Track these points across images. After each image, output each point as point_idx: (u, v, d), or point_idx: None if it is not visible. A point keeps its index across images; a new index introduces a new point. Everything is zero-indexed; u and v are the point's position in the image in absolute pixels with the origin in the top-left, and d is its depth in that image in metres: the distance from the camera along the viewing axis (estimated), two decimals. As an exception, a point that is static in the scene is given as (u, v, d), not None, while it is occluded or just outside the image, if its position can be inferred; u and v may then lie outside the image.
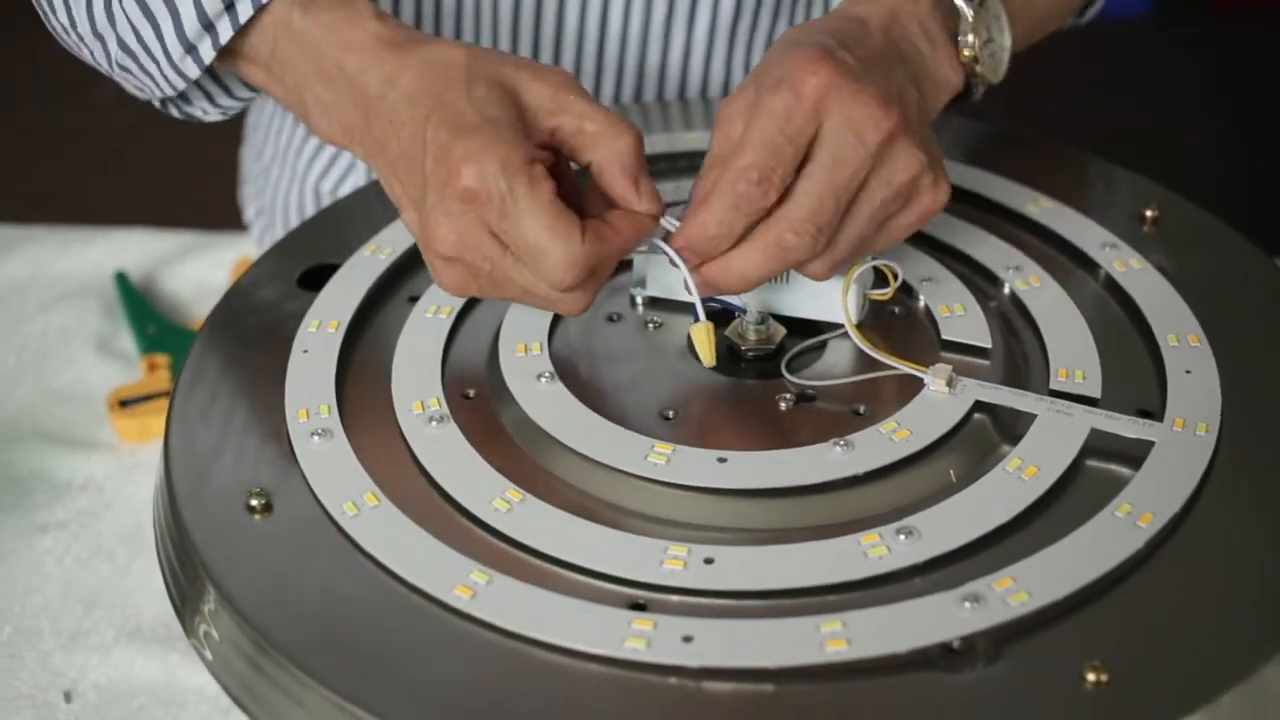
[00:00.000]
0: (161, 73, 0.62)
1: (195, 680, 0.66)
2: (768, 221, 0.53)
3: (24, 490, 0.77)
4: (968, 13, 0.59)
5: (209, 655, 0.50)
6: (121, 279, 0.90)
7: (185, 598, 0.51)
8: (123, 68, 0.64)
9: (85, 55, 0.67)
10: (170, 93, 0.64)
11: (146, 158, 1.78)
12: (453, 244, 0.52)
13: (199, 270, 0.93)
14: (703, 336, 0.55)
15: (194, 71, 0.61)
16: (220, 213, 1.07)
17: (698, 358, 0.56)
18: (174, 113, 0.67)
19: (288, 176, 0.91)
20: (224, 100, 0.66)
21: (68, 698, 0.66)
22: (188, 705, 0.65)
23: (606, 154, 0.53)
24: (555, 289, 0.52)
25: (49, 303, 0.90)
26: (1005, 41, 0.61)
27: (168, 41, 0.61)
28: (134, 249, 0.95)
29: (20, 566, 0.72)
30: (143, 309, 0.88)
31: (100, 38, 0.64)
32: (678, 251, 0.54)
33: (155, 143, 1.75)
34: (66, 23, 0.65)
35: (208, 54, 0.60)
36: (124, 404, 0.81)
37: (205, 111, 0.67)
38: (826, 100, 0.52)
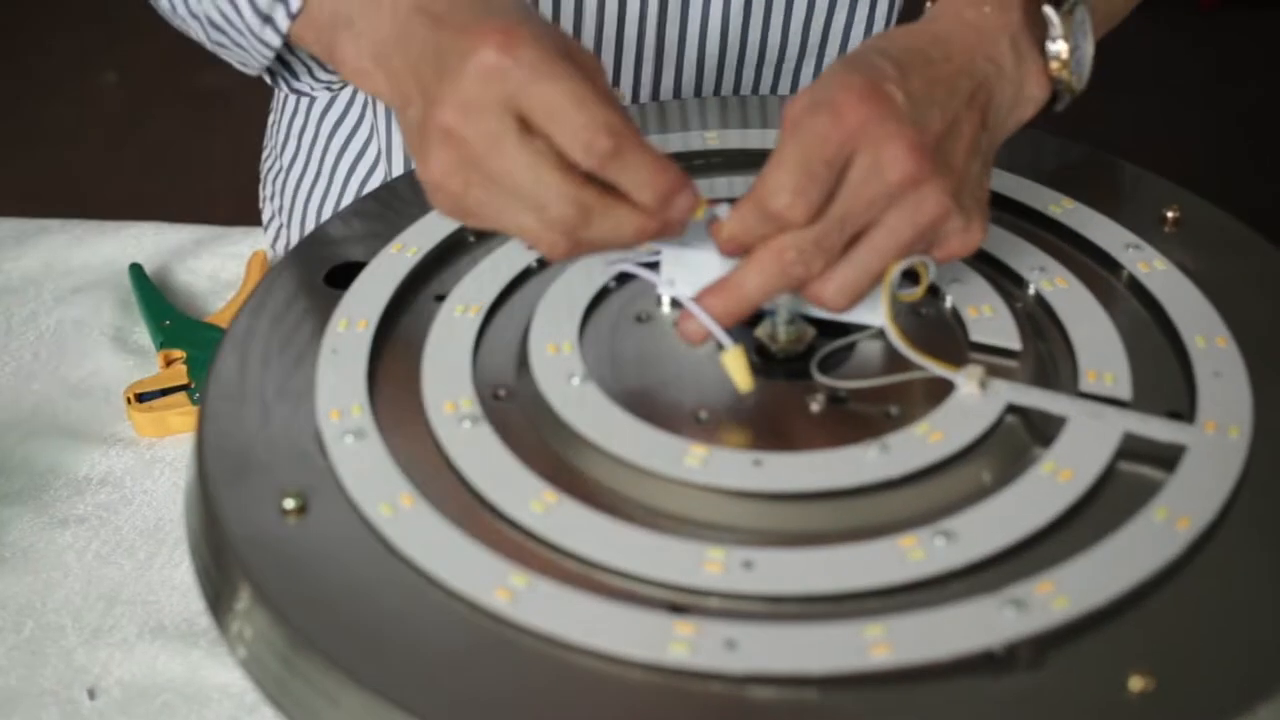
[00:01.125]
0: (250, 44, 0.65)
1: (219, 677, 0.66)
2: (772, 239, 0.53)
3: (43, 485, 0.76)
4: (1056, 21, 0.58)
5: (243, 653, 0.50)
6: (137, 271, 0.89)
7: (219, 596, 0.51)
8: (218, 44, 0.67)
9: (192, 34, 0.70)
10: (264, 62, 0.66)
11: (157, 152, 1.78)
12: (456, 113, 0.50)
13: (213, 263, 0.93)
14: (734, 363, 0.55)
15: (275, 40, 0.63)
16: (232, 207, 1.07)
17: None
18: (284, 88, 0.70)
19: (312, 173, 0.90)
20: (323, 74, 0.68)
21: (92, 694, 0.66)
22: (211, 702, 0.65)
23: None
24: (586, 155, 0.50)
25: (64, 295, 0.90)
26: (1089, 48, 0.60)
27: (245, 14, 0.63)
28: (148, 242, 0.94)
29: (41, 562, 0.72)
30: (158, 302, 0.87)
31: (195, 17, 0.67)
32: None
33: (166, 138, 1.74)
34: (168, 7, 0.69)
35: (283, 22, 0.62)
36: (140, 398, 0.80)
37: (312, 86, 0.69)
38: (863, 131, 0.51)
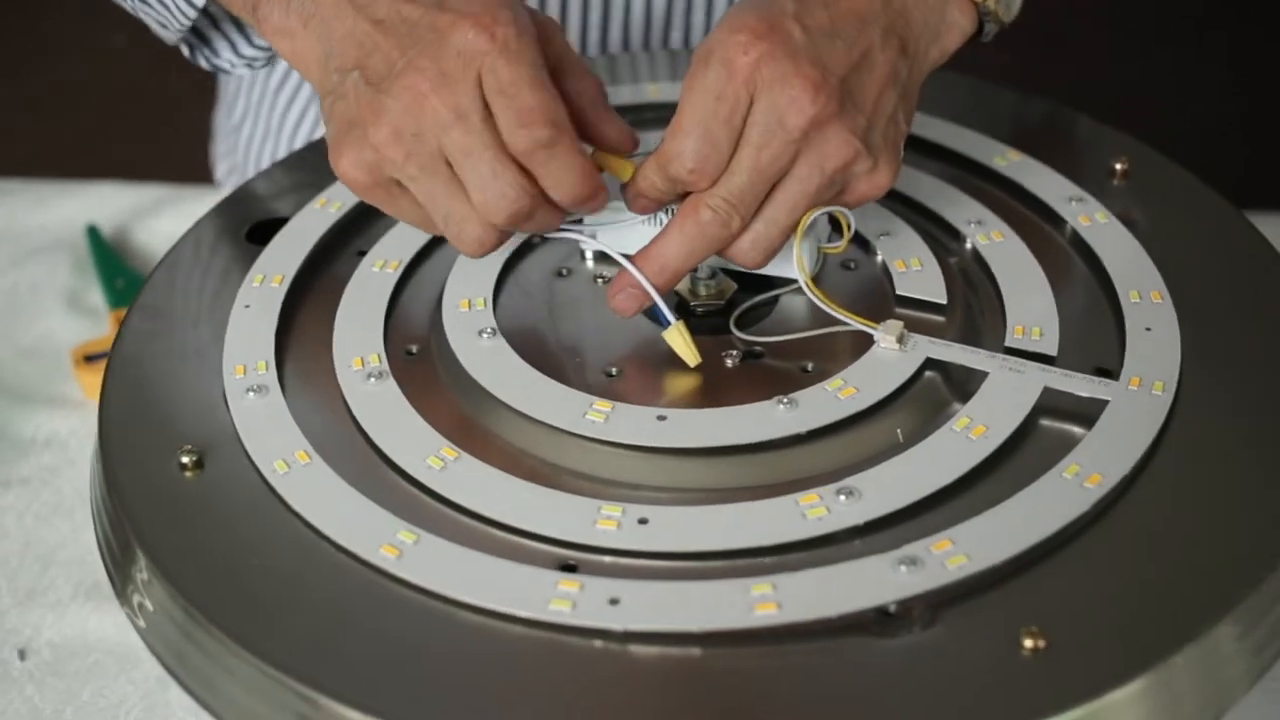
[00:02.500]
0: (174, 2, 0.62)
1: (149, 638, 0.66)
2: (686, 200, 0.52)
3: (-13, 446, 0.76)
4: None
5: (142, 624, 0.49)
6: (93, 232, 0.89)
7: (118, 564, 0.50)
8: (143, 0, 0.64)
9: None
10: (185, 23, 0.63)
11: (118, 115, 1.77)
12: (432, 81, 0.49)
13: (172, 224, 0.92)
14: (678, 338, 0.53)
15: None
16: (192, 167, 1.06)
17: (650, 315, 0.55)
18: (203, 63, 0.67)
19: (260, 132, 0.89)
20: (247, 49, 0.66)
21: (22, 655, 0.65)
22: (141, 663, 0.65)
23: (584, 84, 0.53)
24: (522, 139, 0.49)
25: (20, 257, 0.89)
26: None
27: None
28: (107, 203, 0.93)
29: (-20, 523, 0.72)
30: (112, 263, 0.87)
31: None
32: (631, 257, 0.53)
33: (128, 100, 1.74)
34: None
35: None
36: (89, 359, 0.80)
37: (232, 64, 0.67)
38: (756, 77, 0.50)
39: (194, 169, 1.09)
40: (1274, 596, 0.45)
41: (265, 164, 0.88)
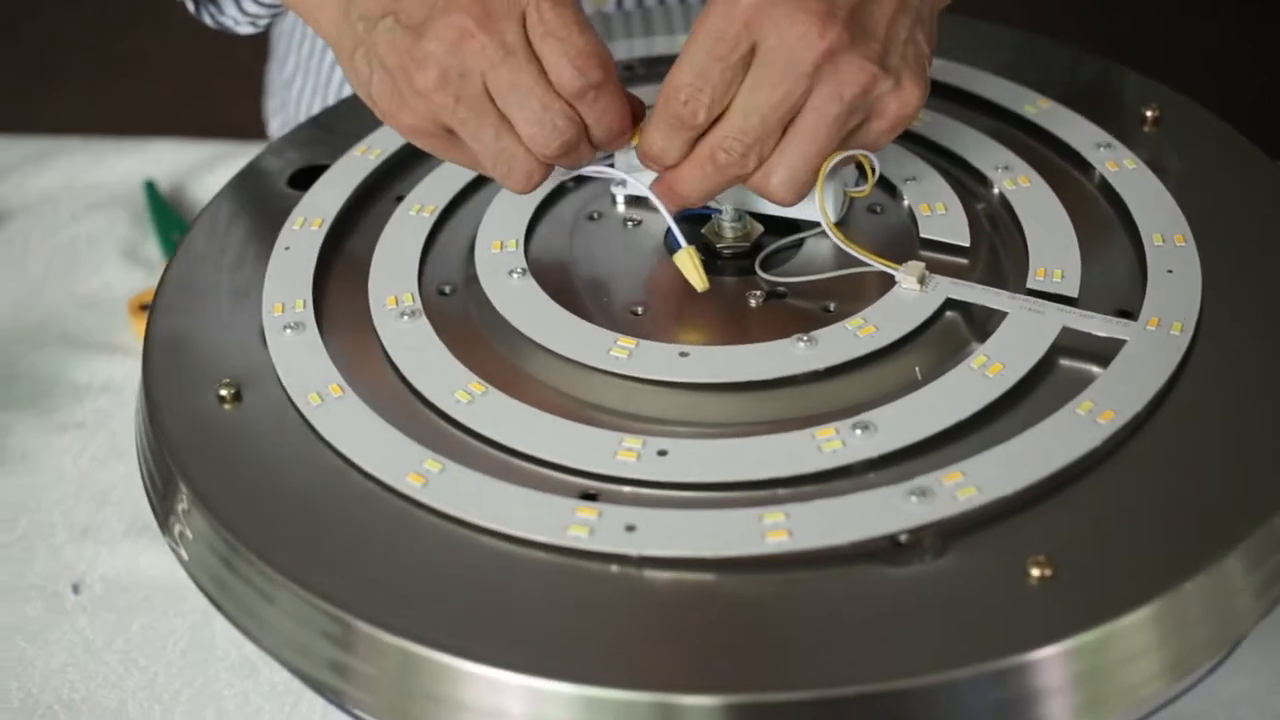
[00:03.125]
0: None
1: (197, 574, 0.68)
2: (702, 139, 0.52)
3: (46, 393, 0.79)
4: None
5: (184, 554, 0.51)
6: (150, 187, 0.91)
7: (160, 496, 0.52)
8: None
9: None
10: None
11: (175, 71, 1.80)
12: (478, 17, 0.50)
13: (226, 179, 0.94)
14: (687, 262, 0.55)
15: None
16: (250, 125, 1.08)
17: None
18: (208, 20, 0.68)
19: (310, 86, 0.91)
20: (251, 7, 0.67)
21: (76, 589, 0.68)
22: (188, 597, 0.67)
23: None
24: (573, 79, 0.50)
25: (80, 212, 0.92)
26: None
27: None
28: (165, 159, 0.96)
29: (40, 465, 0.74)
30: (169, 217, 0.89)
31: None
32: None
33: (185, 56, 1.77)
34: None
35: None
36: (144, 308, 0.82)
37: (236, 21, 0.68)
38: (760, 18, 0.50)
39: (250, 126, 1.12)
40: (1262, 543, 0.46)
41: (317, 107, 0.90)
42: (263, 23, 0.69)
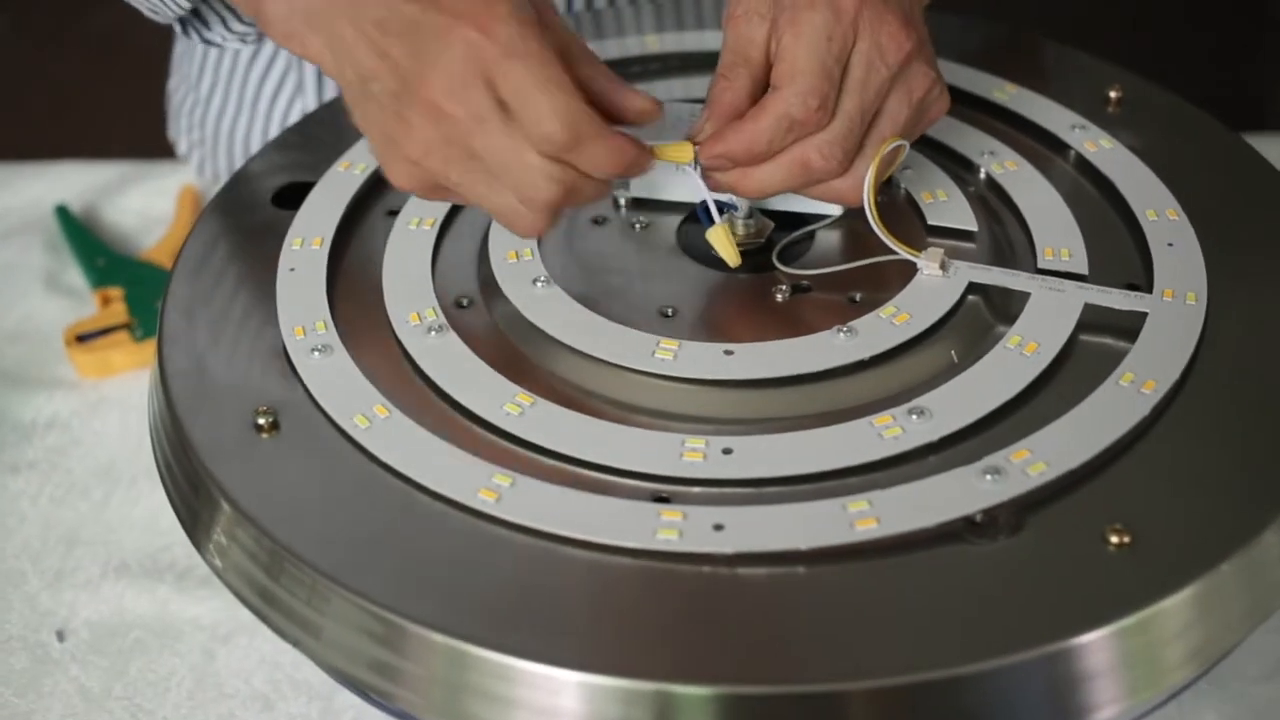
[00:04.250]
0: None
1: (189, 611, 0.66)
2: (794, 145, 0.53)
3: (-12, 432, 0.75)
4: None
5: (229, 575, 0.49)
6: (63, 212, 0.87)
7: (197, 520, 0.50)
8: None
9: None
10: (178, 12, 0.62)
11: (56, 94, 1.73)
12: (443, 91, 0.49)
13: (141, 200, 0.91)
14: (722, 237, 0.55)
15: None
16: (138, 148, 1.03)
17: (694, 257, 0.57)
18: (194, 37, 0.67)
19: (233, 105, 0.89)
20: (239, 26, 0.66)
21: (61, 637, 0.65)
22: (183, 636, 0.65)
23: (593, 67, 0.53)
24: (543, 144, 0.49)
25: (-11, 241, 0.88)
26: None
27: None
28: (73, 181, 0.92)
29: (-6, 509, 0.71)
30: (88, 242, 0.85)
31: None
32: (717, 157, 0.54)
33: (66, 79, 1.70)
34: None
35: None
36: (81, 339, 0.79)
37: (224, 37, 0.66)
38: (860, 20, 0.52)
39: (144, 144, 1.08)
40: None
41: (239, 136, 0.87)
42: (250, 41, 0.67)
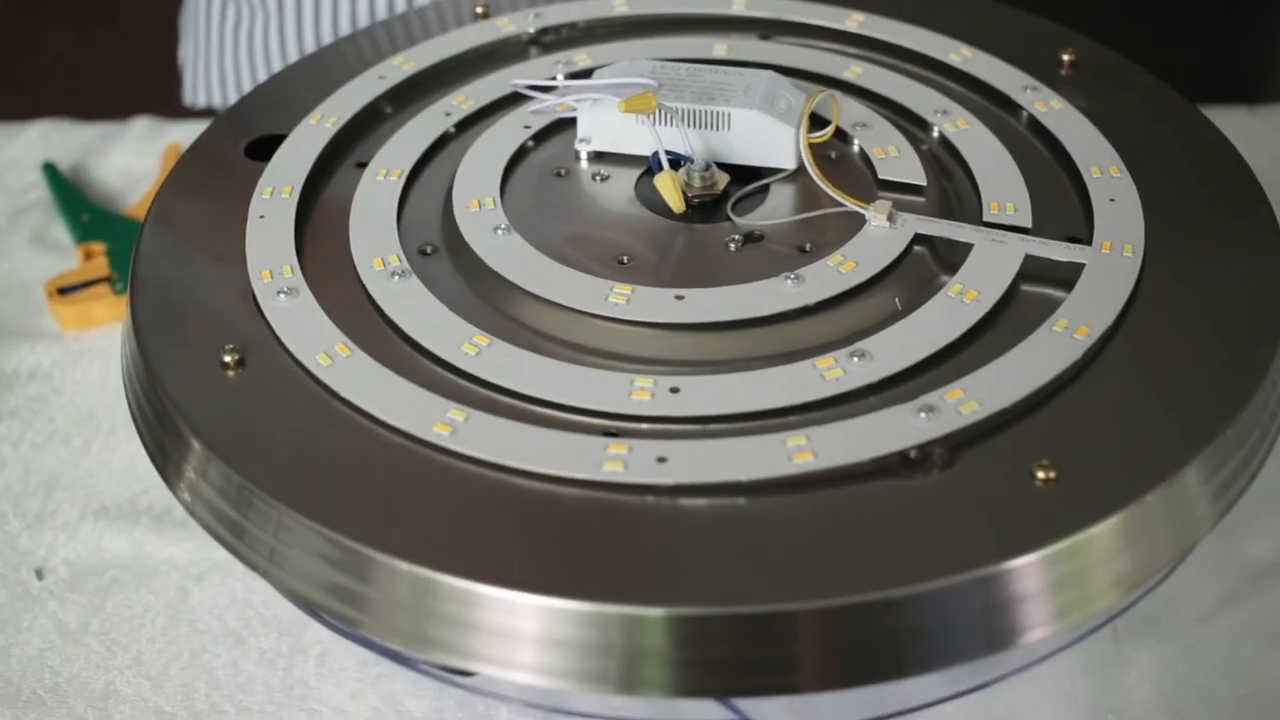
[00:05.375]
0: None
1: (165, 551, 0.68)
2: None
3: (-29, 381, 0.77)
4: None
5: (197, 507, 0.51)
6: (50, 169, 0.89)
7: (167, 455, 0.52)
8: None
9: None
10: None
11: (46, 63, 1.75)
12: None
13: (125, 159, 0.93)
14: (668, 183, 0.58)
15: None
16: (138, 111, 1.05)
17: (651, 209, 0.59)
18: None
19: (245, 55, 0.91)
20: None
21: (39, 575, 0.67)
22: (159, 574, 0.67)
23: None
24: None
25: (-28, 198, 0.90)
26: None
27: None
28: (56, 140, 0.94)
29: (-25, 454, 0.73)
30: (74, 198, 0.87)
31: None
32: None
33: (56, 47, 1.72)
34: None
35: None
36: (62, 291, 0.81)
37: None
38: None
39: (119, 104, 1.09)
40: (1244, 425, 0.50)
41: (201, 63, 0.90)
42: None
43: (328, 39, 0.94)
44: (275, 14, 0.88)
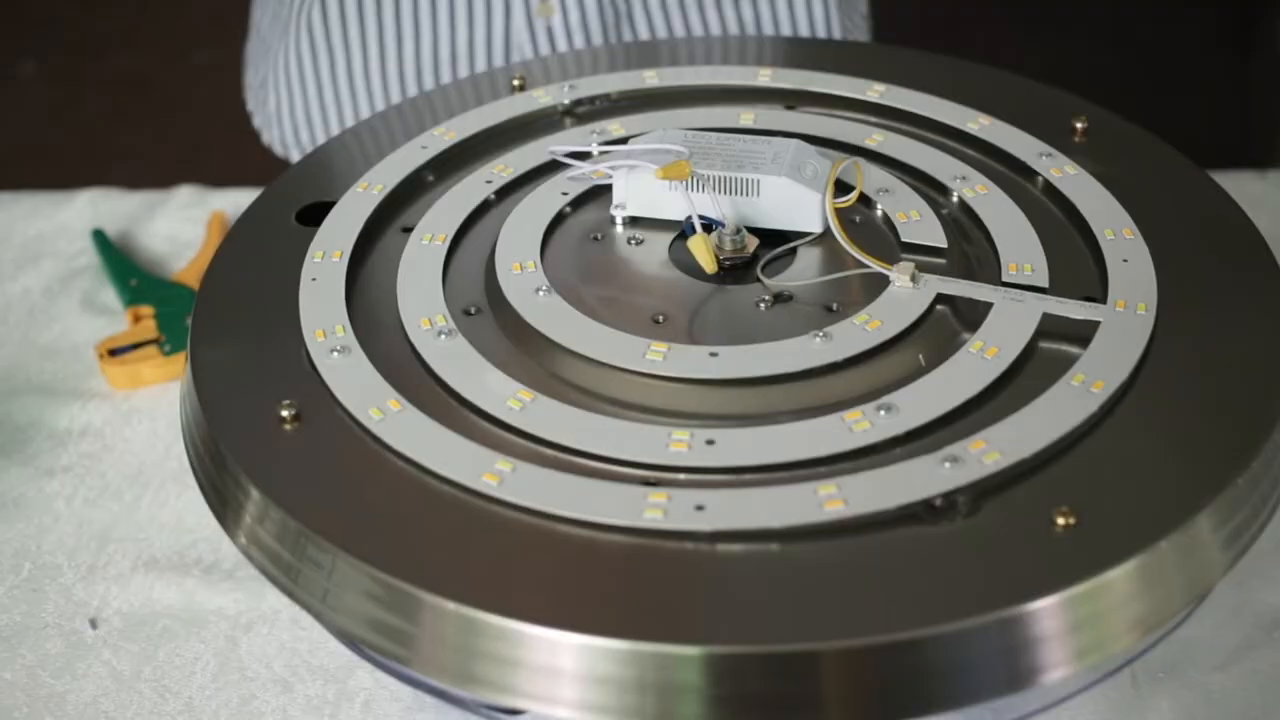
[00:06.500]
0: None
1: (214, 602, 0.70)
2: None
3: (26, 439, 0.80)
4: None
5: (255, 554, 0.54)
6: (100, 235, 0.93)
7: (227, 505, 0.55)
8: None
9: None
10: None
11: (80, 134, 1.80)
12: None
13: (170, 226, 0.96)
14: (701, 246, 0.61)
15: None
16: (171, 180, 1.08)
17: (684, 270, 0.62)
18: None
19: (280, 26, 0.96)
20: None
21: (94, 624, 0.69)
22: (209, 624, 0.69)
23: None
24: None
25: (24, 264, 0.93)
26: None
27: None
28: (102, 209, 0.97)
29: (32, 509, 0.76)
30: (123, 263, 0.91)
31: None
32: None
33: (89, 119, 1.77)
34: None
35: None
36: (113, 353, 0.84)
37: None
38: None
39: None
40: (1254, 474, 0.53)
41: (281, 53, 0.95)
42: None
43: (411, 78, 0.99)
44: (359, 53, 0.94)
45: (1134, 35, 1.93)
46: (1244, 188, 0.73)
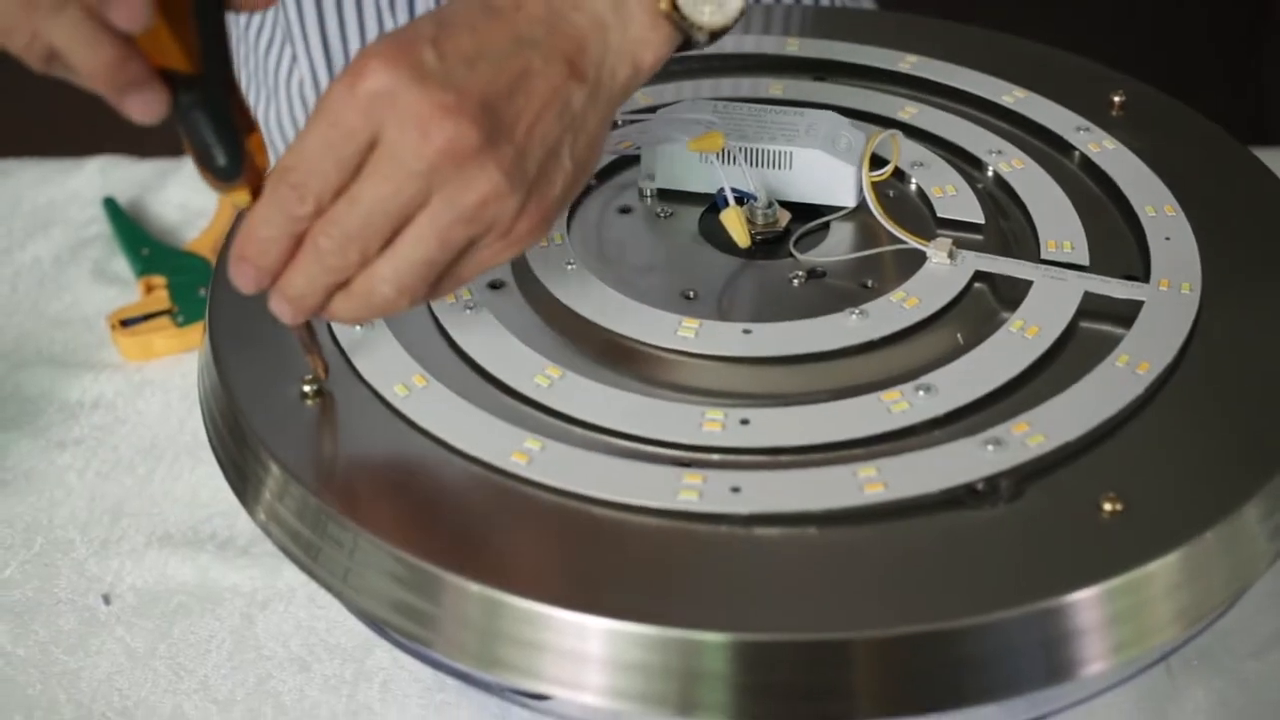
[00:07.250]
0: None
1: (229, 578, 0.69)
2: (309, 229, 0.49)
3: (37, 411, 0.78)
4: None
5: (274, 531, 0.52)
6: (111, 204, 0.91)
7: (247, 481, 0.54)
8: None
9: None
10: None
11: (89, 101, 1.78)
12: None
13: (181, 194, 0.94)
14: (735, 221, 0.59)
15: None
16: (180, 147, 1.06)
17: (715, 245, 0.60)
18: None
19: (265, 96, 0.93)
20: None
21: (107, 600, 0.68)
22: (224, 601, 0.68)
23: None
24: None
25: (35, 231, 0.91)
26: None
27: None
28: (114, 176, 0.96)
29: (44, 483, 0.74)
30: (134, 232, 0.89)
31: None
32: (237, 260, 0.50)
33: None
34: None
35: None
36: (125, 324, 0.82)
37: None
38: (380, 107, 0.46)
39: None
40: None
41: (273, 121, 0.92)
42: None
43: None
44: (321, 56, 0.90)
45: (1163, 8, 1.91)
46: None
